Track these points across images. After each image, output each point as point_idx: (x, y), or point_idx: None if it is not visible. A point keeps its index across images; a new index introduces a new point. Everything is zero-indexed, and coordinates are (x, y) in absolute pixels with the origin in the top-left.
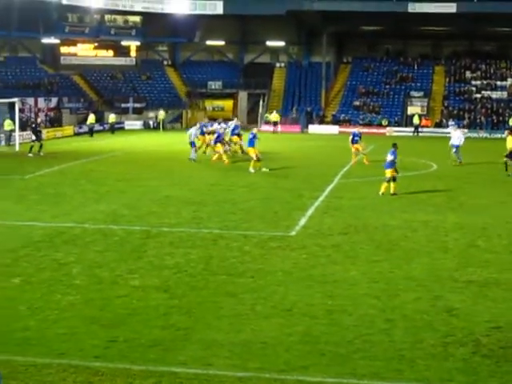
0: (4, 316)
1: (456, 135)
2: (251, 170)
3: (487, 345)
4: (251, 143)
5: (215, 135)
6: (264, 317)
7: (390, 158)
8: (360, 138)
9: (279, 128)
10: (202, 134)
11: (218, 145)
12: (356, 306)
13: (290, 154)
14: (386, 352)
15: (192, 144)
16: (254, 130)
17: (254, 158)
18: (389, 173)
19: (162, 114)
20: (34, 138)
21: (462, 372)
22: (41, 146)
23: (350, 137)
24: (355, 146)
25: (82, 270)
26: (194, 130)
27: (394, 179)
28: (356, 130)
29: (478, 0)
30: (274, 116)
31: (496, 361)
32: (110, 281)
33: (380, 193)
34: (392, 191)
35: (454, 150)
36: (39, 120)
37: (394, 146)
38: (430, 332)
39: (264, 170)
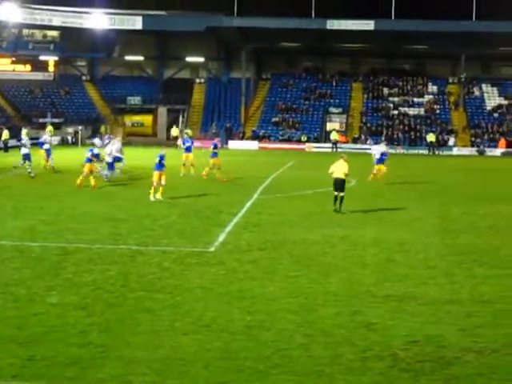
0: None
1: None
2: (152, 198)
3: (405, 359)
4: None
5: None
6: (183, 333)
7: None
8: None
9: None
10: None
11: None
12: (274, 321)
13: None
14: (305, 367)
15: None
16: (163, 152)
17: (155, 184)
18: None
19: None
20: None
21: None
22: None
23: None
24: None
25: None
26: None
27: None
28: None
29: (396, 18)
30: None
31: (414, 374)
32: (26, 298)
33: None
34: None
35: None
36: None
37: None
38: (349, 347)
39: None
